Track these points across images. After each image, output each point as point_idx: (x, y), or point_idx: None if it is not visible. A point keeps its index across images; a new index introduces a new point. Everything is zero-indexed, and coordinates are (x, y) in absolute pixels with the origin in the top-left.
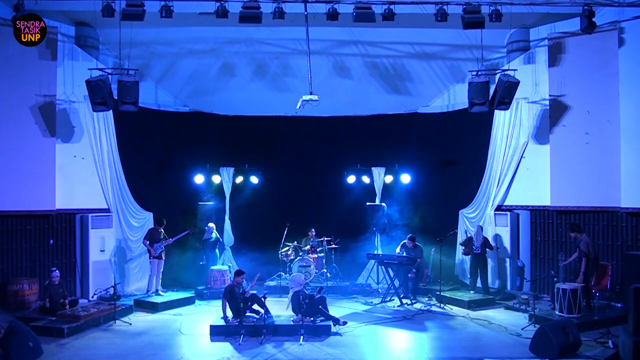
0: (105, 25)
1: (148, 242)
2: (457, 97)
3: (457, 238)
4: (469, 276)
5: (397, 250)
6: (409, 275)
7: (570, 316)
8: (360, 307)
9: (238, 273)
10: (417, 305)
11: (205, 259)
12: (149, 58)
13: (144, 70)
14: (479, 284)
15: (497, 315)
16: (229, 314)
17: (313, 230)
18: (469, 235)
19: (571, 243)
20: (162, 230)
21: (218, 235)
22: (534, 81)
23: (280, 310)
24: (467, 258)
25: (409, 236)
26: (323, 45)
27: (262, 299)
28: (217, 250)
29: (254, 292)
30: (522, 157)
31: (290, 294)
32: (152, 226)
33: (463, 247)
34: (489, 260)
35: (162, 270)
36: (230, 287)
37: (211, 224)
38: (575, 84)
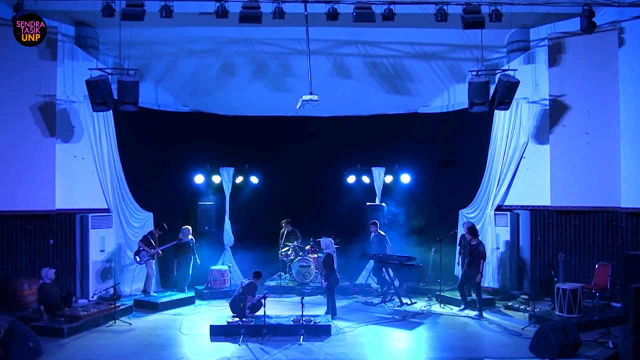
0: (105, 25)
1: (142, 245)
2: (457, 97)
3: (457, 238)
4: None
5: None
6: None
7: (570, 316)
8: (360, 307)
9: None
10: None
11: (177, 264)
12: (149, 58)
13: (144, 70)
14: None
15: (497, 315)
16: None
17: (288, 224)
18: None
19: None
20: (157, 235)
21: (193, 239)
22: (534, 81)
23: (280, 310)
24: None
25: (370, 222)
26: (323, 45)
27: (263, 299)
28: (192, 256)
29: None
30: (522, 157)
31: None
32: (152, 229)
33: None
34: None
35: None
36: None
37: (187, 227)
38: (575, 84)
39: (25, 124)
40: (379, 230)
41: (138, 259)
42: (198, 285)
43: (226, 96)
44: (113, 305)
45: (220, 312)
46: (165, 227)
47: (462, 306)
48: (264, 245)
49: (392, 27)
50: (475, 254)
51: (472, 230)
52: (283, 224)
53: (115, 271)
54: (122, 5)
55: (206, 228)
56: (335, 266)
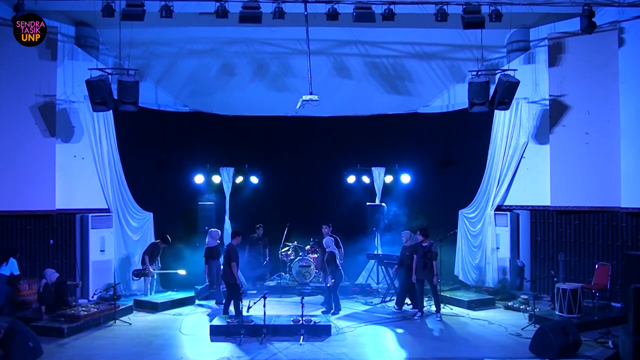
0: (105, 25)
1: (147, 258)
2: (457, 97)
3: (457, 238)
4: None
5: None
6: (327, 284)
7: (570, 316)
8: (360, 307)
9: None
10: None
11: (207, 271)
12: (149, 58)
13: (144, 70)
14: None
15: (497, 315)
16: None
17: (259, 229)
18: None
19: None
20: (162, 248)
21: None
22: (534, 81)
23: (280, 310)
24: None
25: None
26: (323, 45)
27: (262, 298)
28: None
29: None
30: (522, 157)
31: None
32: (155, 241)
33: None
34: None
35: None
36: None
37: (216, 230)
38: (575, 84)
39: (25, 124)
40: (330, 234)
41: (135, 273)
42: (198, 285)
43: (226, 96)
44: (113, 305)
45: (220, 312)
46: (169, 239)
47: (415, 309)
48: None
49: (392, 27)
50: (429, 255)
51: (424, 231)
52: (256, 229)
53: (115, 271)
54: (122, 5)
55: (206, 228)
56: (338, 263)
